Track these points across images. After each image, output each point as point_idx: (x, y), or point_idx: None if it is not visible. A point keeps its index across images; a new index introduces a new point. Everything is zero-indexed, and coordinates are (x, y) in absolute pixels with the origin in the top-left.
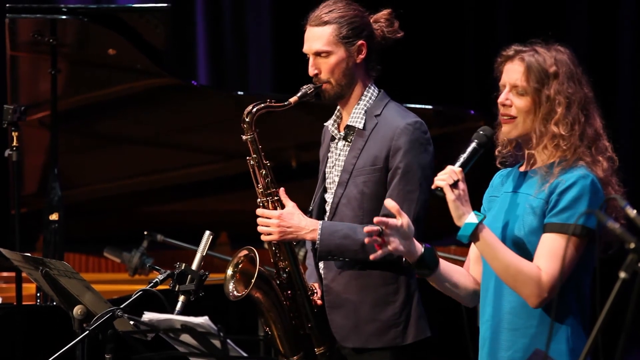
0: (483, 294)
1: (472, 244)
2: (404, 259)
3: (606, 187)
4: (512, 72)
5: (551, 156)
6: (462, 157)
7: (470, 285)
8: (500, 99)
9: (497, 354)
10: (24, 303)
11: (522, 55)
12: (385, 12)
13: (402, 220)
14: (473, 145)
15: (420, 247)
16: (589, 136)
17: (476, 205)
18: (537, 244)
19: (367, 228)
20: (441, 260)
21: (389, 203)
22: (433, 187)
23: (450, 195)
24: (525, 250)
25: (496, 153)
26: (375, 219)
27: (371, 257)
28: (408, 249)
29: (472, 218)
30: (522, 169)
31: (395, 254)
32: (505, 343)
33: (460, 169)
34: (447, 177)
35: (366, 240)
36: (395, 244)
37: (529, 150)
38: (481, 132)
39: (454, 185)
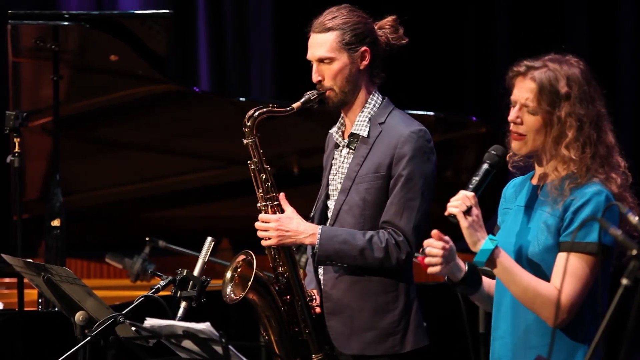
0: (496, 308)
1: None
2: (446, 278)
3: (621, 202)
4: (523, 91)
5: (562, 172)
6: (475, 180)
7: None
8: (511, 117)
9: None
10: (25, 309)
11: (534, 74)
12: (390, 18)
13: (445, 245)
14: (485, 166)
15: (463, 267)
16: (601, 154)
17: (485, 218)
18: (551, 262)
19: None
20: (482, 277)
21: (433, 232)
22: (446, 214)
23: (463, 223)
24: (539, 268)
25: (507, 158)
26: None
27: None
28: (450, 271)
29: (487, 244)
30: (534, 181)
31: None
32: None
33: (473, 193)
34: (459, 203)
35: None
36: (435, 269)
37: (540, 167)
38: (493, 152)
39: (467, 212)
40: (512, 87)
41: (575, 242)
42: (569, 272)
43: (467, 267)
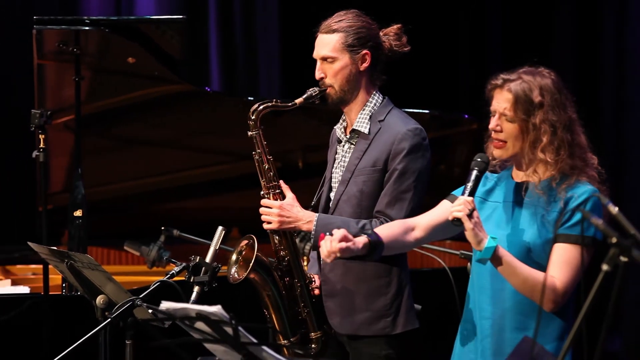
0: (478, 291)
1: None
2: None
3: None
4: (501, 101)
5: (547, 174)
6: (469, 187)
7: (410, 245)
8: (491, 126)
9: (504, 351)
10: (50, 293)
11: (510, 85)
12: (394, 27)
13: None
14: (475, 173)
15: (365, 245)
16: (578, 154)
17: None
18: (549, 252)
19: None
20: (386, 238)
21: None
22: (450, 218)
23: (468, 225)
24: (536, 258)
25: None
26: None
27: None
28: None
29: (490, 242)
30: (516, 179)
31: None
32: (511, 341)
33: (471, 198)
34: (462, 207)
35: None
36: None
37: (520, 170)
38: (479, 160)
39: (470, 215)
40: (491, 99)
41: (576, 235)
42: (565, 261)
43: (370, 243)
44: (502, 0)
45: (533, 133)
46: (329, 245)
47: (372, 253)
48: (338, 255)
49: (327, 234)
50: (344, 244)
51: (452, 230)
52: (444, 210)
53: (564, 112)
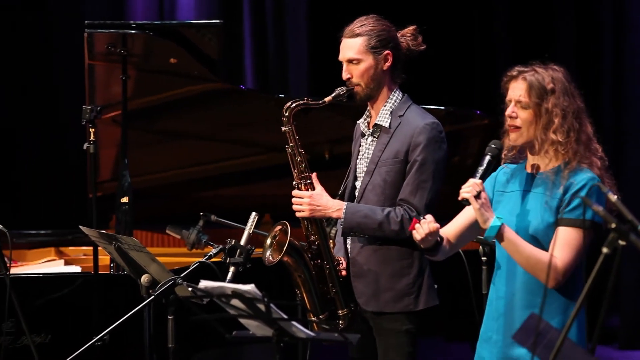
0: (497, 273)
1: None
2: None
3: (601, 183)
4: (517, 90)
5: (553, 160)
6: (480, 170)
7: (446, 250)
8: (508, 112)
9: (515, 328)
10: (100, 272)
11: (524, 75)
12: (410, 28)
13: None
14: (488, 158)
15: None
16: (583, 141)
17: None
18: (552, 235)
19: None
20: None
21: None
22: (460, 198)
23: (475, 205)
24: (542, 241)
25: (502, 156)
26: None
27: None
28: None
29: (495, 221)
30: (528, 170)
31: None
32: (521, 319)
33: (480, 180)
34: (470, 189)
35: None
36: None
37: (532, 155)
38: (493, 146)
39: (477, 196)
40: (506, 91)
41: (575, 218)
42: (566, 242)
43: (439, 239)
44: (510, 6)
45: (545, 116)
46: (427, 227)
47: (438, 247)
48: (431, 237)
49: (421, 218)
50: (438, 225)
51: (476, 233)
52: (465, 217)
53: (573, 100)
